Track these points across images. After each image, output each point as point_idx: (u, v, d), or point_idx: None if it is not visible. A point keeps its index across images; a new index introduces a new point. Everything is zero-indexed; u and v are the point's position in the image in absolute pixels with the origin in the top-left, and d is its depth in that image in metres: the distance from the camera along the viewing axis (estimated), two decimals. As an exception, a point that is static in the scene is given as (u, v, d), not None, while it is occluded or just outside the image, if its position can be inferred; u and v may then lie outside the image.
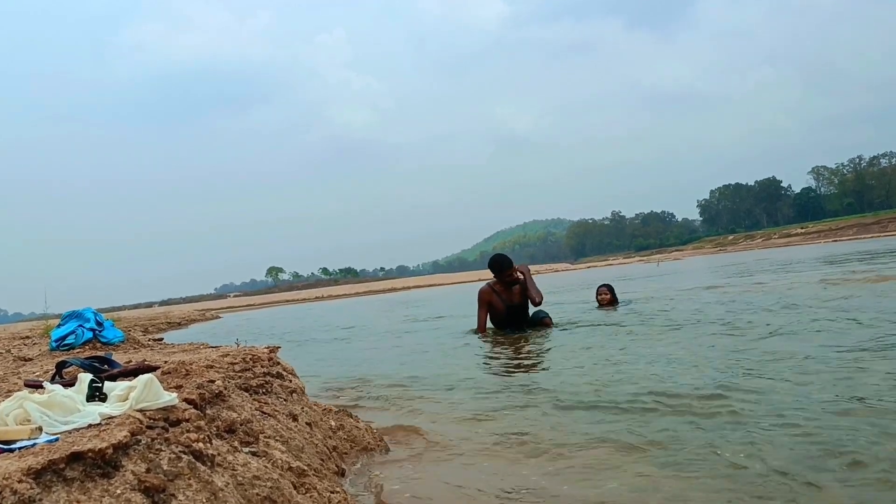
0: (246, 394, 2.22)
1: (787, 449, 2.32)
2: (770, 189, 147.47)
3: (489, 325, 7.45)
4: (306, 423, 2.31)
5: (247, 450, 1.78)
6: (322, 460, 2.16)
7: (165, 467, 1.35)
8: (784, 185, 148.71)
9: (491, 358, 5.75)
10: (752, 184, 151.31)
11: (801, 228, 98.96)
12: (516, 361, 5.24)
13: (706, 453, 2.38)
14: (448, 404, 3.73)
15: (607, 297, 9.32)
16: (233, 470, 1.59)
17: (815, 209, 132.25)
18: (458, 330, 8.08)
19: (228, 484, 1.52)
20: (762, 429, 2.58)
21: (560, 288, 18.81)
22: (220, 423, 1.85)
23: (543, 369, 4.71)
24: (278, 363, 3.16)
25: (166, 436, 1.46)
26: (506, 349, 6.04)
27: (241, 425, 1.90)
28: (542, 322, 7.20)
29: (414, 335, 8.75)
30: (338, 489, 1.89)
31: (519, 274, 7.41)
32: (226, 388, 2.14)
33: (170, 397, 1.64)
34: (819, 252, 30.51)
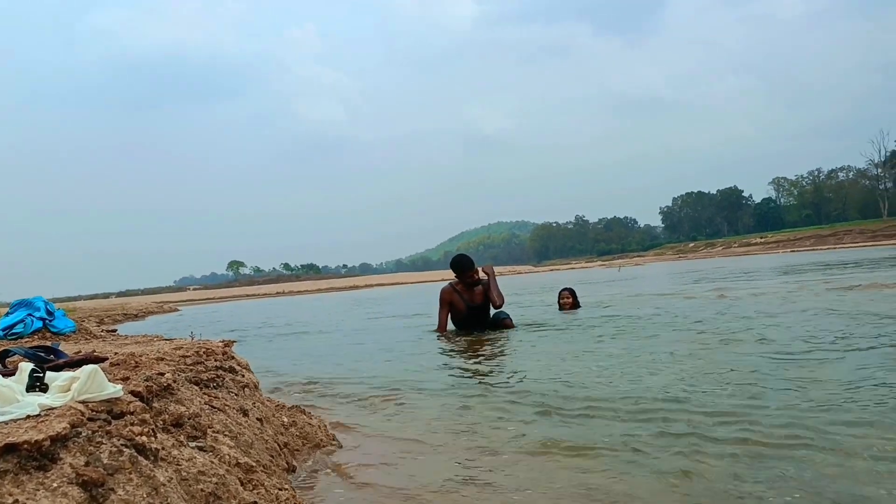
0: (196, 387, 2.18)
1: (729, 458, 2.35)
2: (731, 198, 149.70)
3: (450, 325, 7.45)
4: (257, 419, 2.27)
5: (193, 444, 1.75)
6: (272, 456, 2.13)
7: (105, 461, 1.31)
8: (745, 194, 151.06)
9: (449, 358, 5.75)
10: (714, 192, 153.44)
11: (761, 238, 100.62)
12: (473, 362, 5.24)
13: (650, 456, 2.39)
14: (403, 403, 3.71)
15: (569, 301, 9.38)
16: (177, 465, 1.55)
17: (774, 219, 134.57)
18: (418, 329, 8.07)
19: (172, 479, 1.48)
20: (707, 435, 2.61)
21: (522, 290, 18.90)
22: (167, 416, 1.81)
23: (500, 370, 4.71)
24: (232, 357, 3.11)
25: (108, 428, 1.42)
26: (464, 349, 6.04)
27: (188, 419, 1.86)
28: (503, 323, 7.21)
29: (373, 334, 8.71)
30: (286, 486, 1.86)
31: (483, 274, 7.42)
32: (175, 382, 2.10)
33: (114, 389, 1.60)
34: (777, 262, 31.07)
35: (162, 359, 2.44)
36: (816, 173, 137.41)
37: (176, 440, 1.69)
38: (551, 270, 73.56)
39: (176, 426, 1.82)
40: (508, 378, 4.29)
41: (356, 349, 7.01)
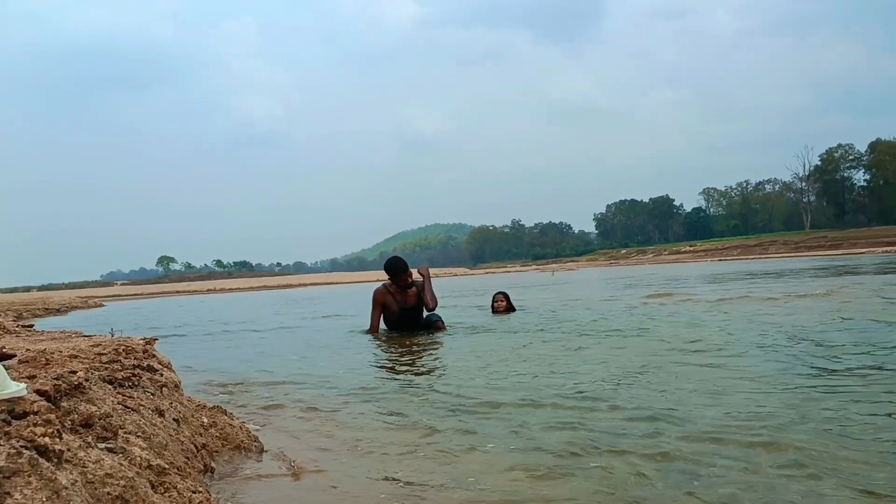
0: (110, 386, 2.11)
1: (650, 458, 2.39)
2: (663, 207, 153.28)
3: (382, 326, 7.42)
4: (174, 420, 2.21)
5: (103, 445, 1.69)
6: (188, 458, 2.07)
7: (2, 463, 1.25)
8: (676, 203, 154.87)
9: (377, 359, 5.73)
10: (647, 200, 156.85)
11: (690, 246, 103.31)
12: (403, 363, 5.23)
13: (574, 454, 2.42)
14: (329, 404, 3.67)
15: (503, 304, 9.42)
16: (83, 467, 1.49)
17: (703, 228, 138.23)
18: (351, 329, 8.02)
19: (76, 482, 1.43)
20: (630, 430, 2.65)
21: (457, 292, 18.96)
22: (76, 416, 1.74)
23: (428, 371, 4.71)
24: (153, 356, 3.03)
25: (7, 429, 1.36)
26: (394, 350, 6.03)
27: (99, 419, 1.79)
28: (434, 325, 7.21)
29: (305, 333, 8.62)
30: (200, 489, 1.81)
31: (418, 276, 7.41)
32: (87, 380, 2.02)
33: (17, 388, 1.53)
34: (705, 270, 31.95)
35: (76, 356, 2.36)
36: (745, 185, 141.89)
37: (84, 441, 1.63)
38: (486, 273, 74.07)
39: (85, 427, 1.76)
40: (433, 379, 4.29)
41: (286, 349, 6.92)
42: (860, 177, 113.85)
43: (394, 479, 2.31)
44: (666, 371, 4.14)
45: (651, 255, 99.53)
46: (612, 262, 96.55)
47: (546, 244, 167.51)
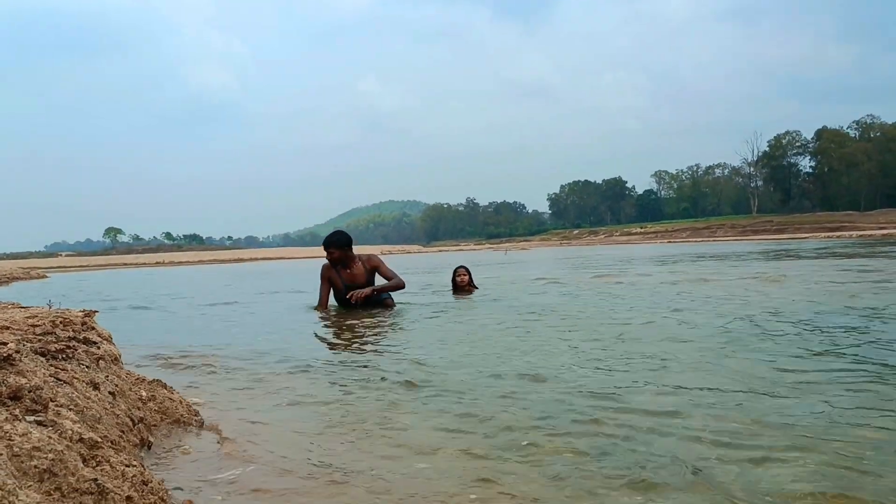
0: (42, 359, 2.06)
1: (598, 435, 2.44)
2: (615, 188, 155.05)
3: (333, 302, 7.35)
4: (109, 393, 2.17)
5: (31, 418, 1.65)
6: (122, 432, 2.04)
7: (-79, 435, 1.22)
8: (629, 185, 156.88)
9: (325, 334, 5.73)
10: (600, 182, 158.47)
11: (641, 228, 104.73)
12: (347, 338, 5.22)
13: (519, 435, 2.45)
14: (272, 379, 3.65)
15: (465, 279, 9.03)
16: (9, 440, 1.46)
17: (654, 210, 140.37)
18: (299, 305, 7.97)
19: (1, 455, 1.40)
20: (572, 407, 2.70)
21: (411, 269, 18.93)
22: (3, 388, 1.70)
23: (374, 347, 4.71)
24: (92, 328, 2.96)
25: (-73, 400, 1.32)
26: (340, 327, 6.01)
27: (28, 392, 1.75)
28: (384, 303, 7.18)
29: (252, 307, 8.54)
30: (134, 462, 1.79)
31: (359, 264, 7.21)
32: (18, 352, 1.97)
33: (-60, 359, 1.48)
34: (654, 252, 32.47)
35: (7, 328, 2.29)
36: (695, 168, 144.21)
37: (11, 414, 1.60)
38: (440, 251, 74.15)
39: (13, 399, 1.72)
40: (377, 355, 4.30)
41: (232, 323, 6.85)
42: (806, 163, 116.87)
43: (328, 456, 2.32)
44: (616, 350, 4.21)
45: (603, 236, 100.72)
46: (565, 241, 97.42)
47: (500, 223, 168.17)
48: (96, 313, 3.36)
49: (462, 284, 8.97)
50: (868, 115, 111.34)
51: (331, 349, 4.84)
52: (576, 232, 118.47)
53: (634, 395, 2.98)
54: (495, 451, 2.29)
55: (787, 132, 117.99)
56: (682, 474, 2.01)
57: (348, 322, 6.17)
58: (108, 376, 2.32)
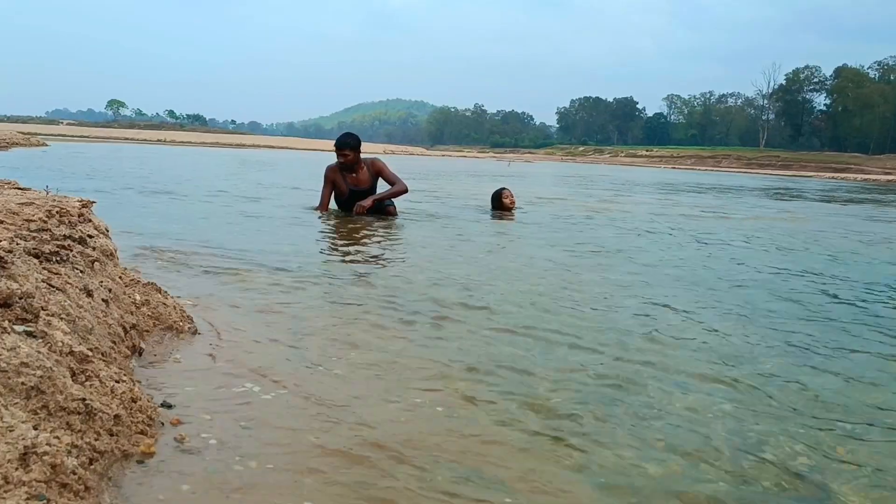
0: (35, 261, 2.00)
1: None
2: (626, 108, 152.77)
3: (334, 205, 7.28)
4: (103, 300, 2.12)
5: (21, 328, 1.61)
6: (114, 342, 2.00)
7: None
8: (639, 106, 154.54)
9: (325, 241, 5.69)
10: (611, 100, 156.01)
11: (647, 151, 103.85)
12: (347, 246, 5.17)
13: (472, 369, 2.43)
14: (268, 286, 3.62)
15: (512, 202, 8.50)
16: (-4, 354, 1.42)
17: (662, 135, 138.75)
18: (302, 204, 7.89)
19: (-13, 370, 1.36)
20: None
21: (415, 174, 18.71)
22: (-7, 295, 1.65)
23: (369, 260, 4.67)
24: (89, 221, 2.90)
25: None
26: (341, 233, 5.97)
27: (19, 299, 1.70)
28: (386, 210, 7.11)
29: (255, 203, 8.43)
30: (124, 378, 1.75)
31: (364, 168, 7.13)
32: (11, 252, 1.91)
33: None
34: (659, 177, 32.24)
35: (1, 222, 2.23)
36: (708, 96, 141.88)
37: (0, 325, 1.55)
38: (443, 156, 73.48)
39: (3, 307, 1.67)
40: (376, 269, 4.27)
41: (233, 218, 6.77)
42: (821, 100, 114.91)
43: (328, 372, 2.30)
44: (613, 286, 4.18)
45: (608, 156, 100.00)
46: (570, 157, 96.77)
47: (506, 132, 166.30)
48: (94, 203, 3.29)
49: (511, 206, 8.44)
50: (891, 57, 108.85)
51: (335, 256, 4.80)
52: (581, 149, 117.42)
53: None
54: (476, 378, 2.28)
55: (807, 66, 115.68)
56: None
57: (349, 228, 6.13)
58: (102, 281, 2.27)
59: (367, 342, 2.73)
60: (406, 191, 7.25)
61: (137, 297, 2.54)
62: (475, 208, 8.84)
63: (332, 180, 7.15)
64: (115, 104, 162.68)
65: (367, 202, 6.93)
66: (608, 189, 17.58)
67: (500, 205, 8.46)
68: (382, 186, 7.22)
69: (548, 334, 2.96)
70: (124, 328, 2.16)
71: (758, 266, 5.32)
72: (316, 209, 7.23)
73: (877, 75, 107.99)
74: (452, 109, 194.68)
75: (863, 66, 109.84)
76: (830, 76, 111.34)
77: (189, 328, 2.64)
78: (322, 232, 6.13)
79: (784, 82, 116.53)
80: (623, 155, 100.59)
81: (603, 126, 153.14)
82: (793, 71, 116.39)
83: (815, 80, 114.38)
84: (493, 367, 2.49)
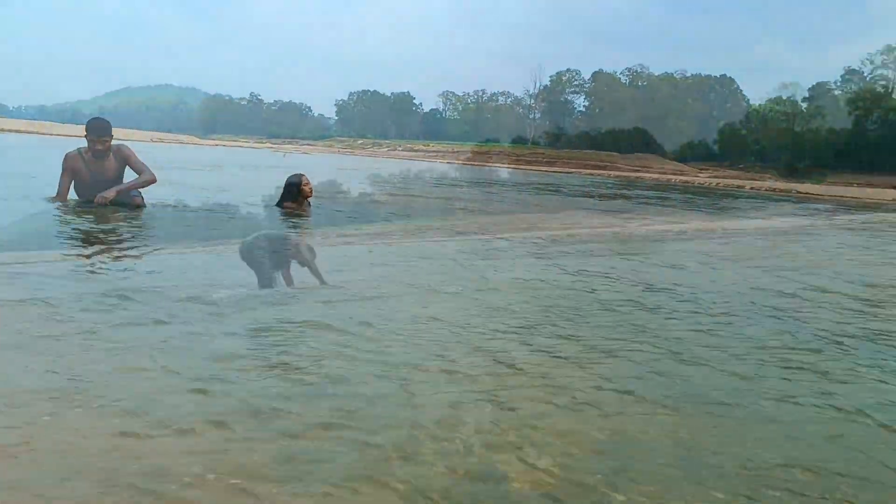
0: None
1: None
2: (403, 103, 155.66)
3: (74, 196, 6.55)
4: None
5: None
6: None
7: None
8: (416, 101, 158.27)
9: (66, 227, 5.10)
10: (388, 95, 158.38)
11: (425, 146, 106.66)
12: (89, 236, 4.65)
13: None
14: None
15: (310, 189, 7.51)
16: None
17: (439, 130, 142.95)
18: (41, 194, 7.04)
19: None
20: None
21: (185, 164, 17.48)
22: None
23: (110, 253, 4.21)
24: None
25: None
26: (88, 223, 5.39)
27: None
28: (133, 201, 6.50)
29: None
30: None
31: (110, 157, 6.46)
32: None
33: None
34: (440, 169, 33.13)
35: None
36: (481, 93, 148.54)
37: None
38: (216, 145, 70.26)
39: None
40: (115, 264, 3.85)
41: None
42: (581, 102, 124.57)
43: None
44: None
45: (386, 150, 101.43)
46: (349, 150, 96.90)
47: (283, 123, 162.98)
48: None
49: (309, 196, 7.50)
50: (638, 65, 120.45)
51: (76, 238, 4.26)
52: (360, 142, 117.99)
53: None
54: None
55: (568, 70, 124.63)
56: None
57: (90, 216, 5.54)
58: None
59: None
60: (154, 181, 6.67)
61: None
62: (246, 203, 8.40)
63: (72, 168, 6.42)
64: None
65: (110, 193, 6.30)
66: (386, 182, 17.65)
67: (300, 193, 7.38)
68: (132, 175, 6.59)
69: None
70: None
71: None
72: (53, 199, 6.46)
73: (627, 81, 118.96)
74: (227, 97, 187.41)
75: (615, 72, 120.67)
76: (589, 79, 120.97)
77: None
78: (61, 222, 5.48)
79: (549, 83, 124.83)
80: (401, 148, 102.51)
81: (381, 120, 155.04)
82: (557, 73, 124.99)
83: (576, 82, 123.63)
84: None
